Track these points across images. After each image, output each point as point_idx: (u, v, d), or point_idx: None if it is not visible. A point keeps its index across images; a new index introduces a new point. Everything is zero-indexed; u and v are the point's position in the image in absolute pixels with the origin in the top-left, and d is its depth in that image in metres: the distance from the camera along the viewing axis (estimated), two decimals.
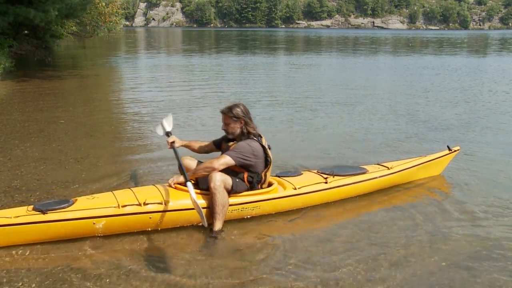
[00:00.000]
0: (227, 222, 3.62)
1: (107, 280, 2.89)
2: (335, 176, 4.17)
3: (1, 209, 3.58)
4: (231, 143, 3.85)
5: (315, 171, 4.39)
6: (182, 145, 4.13)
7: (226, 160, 3.62)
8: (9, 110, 8.47)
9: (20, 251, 3.17)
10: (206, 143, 4.16)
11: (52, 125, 7.17)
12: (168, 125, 4.45)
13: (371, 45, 36.26)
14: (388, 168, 4.48)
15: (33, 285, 2.81)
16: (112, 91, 11.98)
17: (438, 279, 3.00)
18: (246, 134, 3.77)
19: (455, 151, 4.96)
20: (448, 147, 4.97)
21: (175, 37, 54.83)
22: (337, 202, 4.16)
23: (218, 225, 3.51)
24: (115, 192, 3.60)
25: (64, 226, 3.20)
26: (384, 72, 16.43)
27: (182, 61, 21.60)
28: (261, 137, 3.86)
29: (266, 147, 3.81)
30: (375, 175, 4.36)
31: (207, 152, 4.15)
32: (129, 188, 3.76)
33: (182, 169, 3.72)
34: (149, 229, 3.49)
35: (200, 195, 3.58)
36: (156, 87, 11.99)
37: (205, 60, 21.82)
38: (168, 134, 4.34)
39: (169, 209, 3.46)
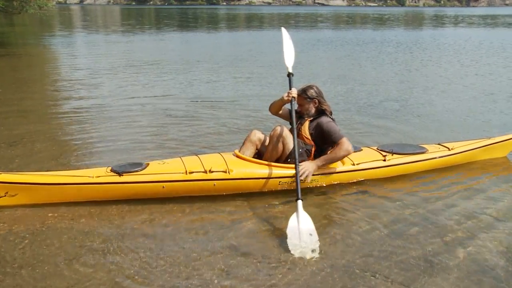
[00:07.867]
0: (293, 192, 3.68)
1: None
2: (393, 155, 4.20)
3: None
4: (307, 117, 3.93)
5: (375, 148, 4.42)
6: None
7: (346, 143, 3.78)
8: None
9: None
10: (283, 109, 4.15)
11: None
12: (290, 60, 4.13)
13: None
14: (449, 149, 4.42)
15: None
16: (46, 71, 11.30)
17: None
18: (322, 111, 3.94)
19: None
20: None
21: (112, 16, 52.41)
22: (394, 177, 4.16)
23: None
24: (183, 158, 3.86)
25: (136, 188, 3.56)
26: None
27: (120, 39, 20.74)
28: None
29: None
30: (435, 156, 4.33)
31: (280, 116, 4.17)
32: (196, 155, 3.99)
33: (297, 181, 3.48)
34: (213, 194, 3.71)
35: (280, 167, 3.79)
36: (92, 65, 11.44)
37: (145, 37, 21.12)
38: (290, 77, 3.99)
39: (232, 177, 3.68)
